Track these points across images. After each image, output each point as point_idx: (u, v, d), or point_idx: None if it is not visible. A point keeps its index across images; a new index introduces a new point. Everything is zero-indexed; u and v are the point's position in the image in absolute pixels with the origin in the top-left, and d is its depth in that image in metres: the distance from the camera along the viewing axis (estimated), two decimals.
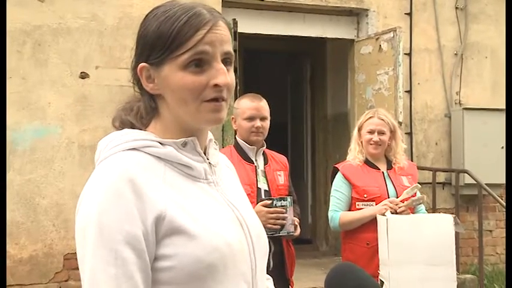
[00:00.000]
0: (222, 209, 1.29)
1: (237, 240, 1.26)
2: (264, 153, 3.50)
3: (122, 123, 1.32)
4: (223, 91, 1.25)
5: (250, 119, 3.38)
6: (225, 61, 1.26)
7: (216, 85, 1.23)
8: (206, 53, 1.23)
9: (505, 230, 7.15)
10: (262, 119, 3.40)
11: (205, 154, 1.33)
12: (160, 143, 1.26)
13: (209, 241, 1.19)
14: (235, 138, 3.54)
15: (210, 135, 1.37)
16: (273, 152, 3.63)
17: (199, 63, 1.23)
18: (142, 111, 1.32)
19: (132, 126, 1.30)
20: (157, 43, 1.24)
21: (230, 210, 1.30)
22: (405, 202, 3.57)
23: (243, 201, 1.40)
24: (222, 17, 1.28)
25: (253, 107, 3.40)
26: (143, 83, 1.29)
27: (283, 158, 3.63)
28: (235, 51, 5.56)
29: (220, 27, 1.26)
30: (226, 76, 1.25)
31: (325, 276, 1.57)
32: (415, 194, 3.66)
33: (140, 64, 1.27)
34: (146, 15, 1.30)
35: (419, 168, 5.83)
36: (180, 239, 1.17)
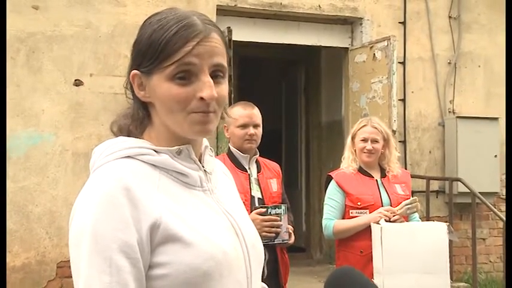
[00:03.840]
0: (217, 217, 1.29)
1: (233, 248, 1.25)
2: (257, 161, 3.50)
3: (120, 129, 1.32)
4: (209, 105, 1.23)
5: (243, 126, 3.39)
6: (215, 73, 1.25)
7: (201, 98, 1.23)
8: (193, 64, 1.22)
9: (498, 238, 7.17)
10: (255, 126, 3.41)
11: (200, 161, 1.32)
12: (155, 151, 1.26)
13: (204, 249, 1.19)
14: (228, 146, 3.54)
15: (205, 142, 1.37)
16: (266, 159, 3.63)
17: (186, 75, 1.22)
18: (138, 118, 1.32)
19: (129, 133, 1.30)
20: (148, 52, 1.24)
21: (225, 218, 1.30)
22: (399, 210, 3.57)
23: (238, 209, 1.39)
24: (216, 28, 1.27)
25: (246, 114, 3.40)
26: (135, 90, 1.29)
27: (276, 166, 3.64)
28: (230, 59, 5.57)
29: (212, 39, 1.24)
30: (213, 90, 1.23)
31: (325, 280, 1.57)
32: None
33: (132, 71, 1.28)
34: (144, 22, 1.30)
35: (413, 176, 5.84)
36: (175, 246, 1.17)
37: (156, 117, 1.29)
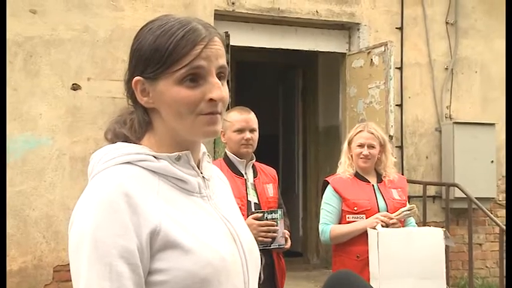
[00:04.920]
0: (215, 223, 1.29)
1: (231, 254, 1.26)
2: (253, 166, 3.52)
3: (116, 136, 1.32)
4: (218, 105, 1.25)
5: (240, 131, 3.40)
6: (219, 75, 1.27)
7: (211, 99, 1.24)
8: (202, 67, 1.24)
9: (494, 243, 7.18)
10: (252, 131, 3.43)
11: (198, 168, 1.33)
12: (154, 157, 1.26)
13: (203, 255, 1.20)
14: (225, 151, 3.56)
15: (203, 148, 1.37)
16: (262, 164, 3.64)
17: (195, 78, 1.24)
18: (135, 124, 1.32)
19: (126, 140, 1.30)
20: (153, 57, 1.24)
21: (223, 224, 1.31)
22: (397, 216, 3.57)
23: (235, 215, 1.40)
24: (217, 32, 1.29)
25: (243, 119, 3.42)
26: (138, 96, 1.29)
27: (272, 171, 3.65)
28: (227, 63, 5.58)
29: (216, 43, 1.26)
30: (222, 91, 1.25)
31: (324, 284, 1.57)
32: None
33: (135, 78, 1.27)
34: (141, 29, 1.30)
35: (410, 181, 5.85)
36: (174, 253, 1.18)
37: (158, 123, 1.29)
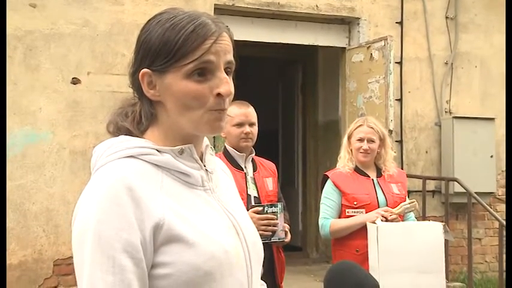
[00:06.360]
0: (218, 216, 1.29)
1: (234, 248, 1.26)
2: (252, 160, 3.52)
3: (118, 129, 1.31)
4: (225, 101, 1.26)
5: (239, 125, 3.41)
6: (226, 70, 1.28)
7: (219, 94, 1.25)
8: (211, 62, 1.24)
9: (493, 238, 7.20)
10: (251, 124, 3.44)
11: (201, 160, 1.33)
12: (157, 151, 1.26)
13: (206, 249, 1.20)
14: (224, 145, 3.56)
15: (206, 141, 1.38)
16: (262, 158, 3.65)
17: (203, 72, 1.24)
18: (138, 117, 1.31)
19: (128, 133, 1.30)
20: (162, 50, 1.24)
21: (226, 217, 1.31)
22: (397, 211, 3.58)
23: (238, 207, 1.40)
24: (226, 27, 1.29)
25: (242, 113, 3.43)
26: (144, 89, 1.28)
27: (271, 165, 3.66)
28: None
29: (225, 38, 1.27)
30: (229, 86, 1.26)
31: (327, 272, 1.58)
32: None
33: (142, 70, 1.27)
34: (148, 21, 1.29)
35: (410, 176, 5.86)
36: (177, 246, 1.18)
37: (163, 116, 1.29)
